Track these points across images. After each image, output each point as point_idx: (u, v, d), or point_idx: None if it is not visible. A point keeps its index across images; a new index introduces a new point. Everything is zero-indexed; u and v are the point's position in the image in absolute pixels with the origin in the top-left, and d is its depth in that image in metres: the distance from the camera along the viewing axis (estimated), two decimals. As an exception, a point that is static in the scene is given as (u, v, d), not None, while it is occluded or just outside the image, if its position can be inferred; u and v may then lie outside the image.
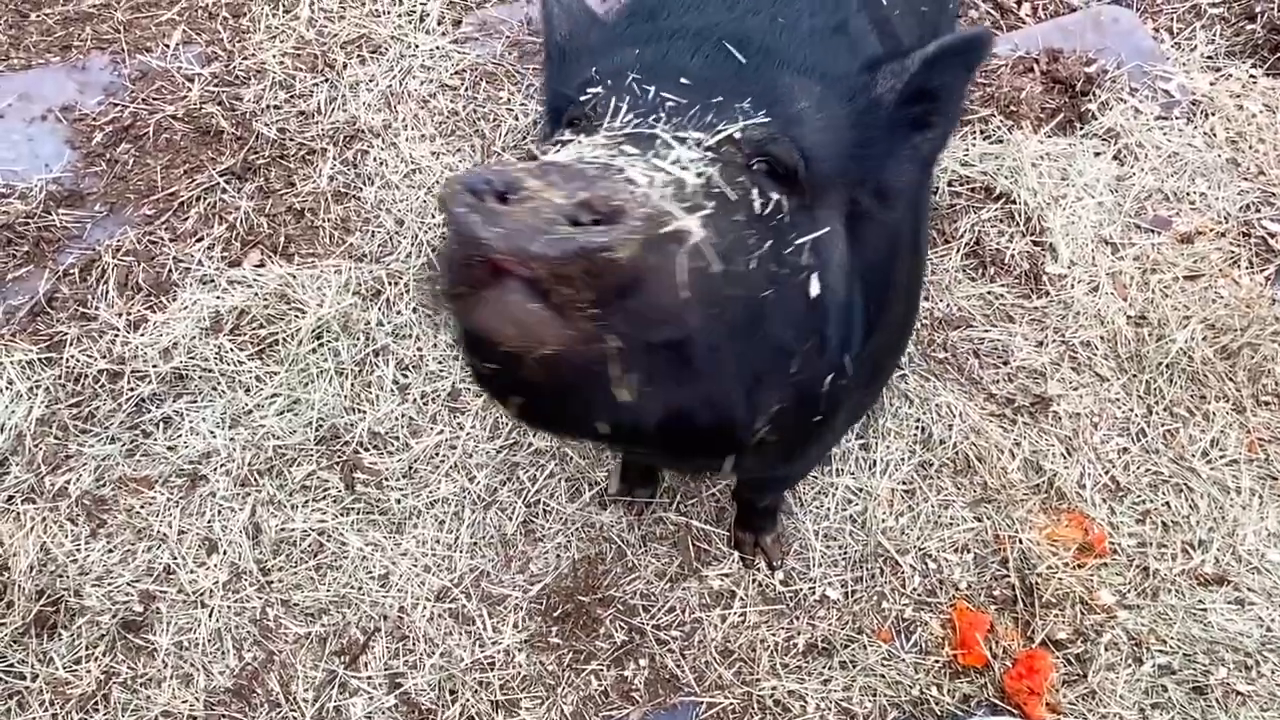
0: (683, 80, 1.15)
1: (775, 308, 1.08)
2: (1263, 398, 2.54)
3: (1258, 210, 2.84)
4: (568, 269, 0.77)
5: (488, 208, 0.79)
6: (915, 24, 1.98)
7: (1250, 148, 2.95)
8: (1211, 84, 3.07)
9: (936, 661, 2.22)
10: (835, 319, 1.23)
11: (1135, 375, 2.56)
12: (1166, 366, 2.55)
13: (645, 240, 0.80)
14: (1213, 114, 3.00)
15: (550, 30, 1.44)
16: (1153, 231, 2.79)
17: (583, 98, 1.19)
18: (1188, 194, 2.85)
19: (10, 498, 2.34)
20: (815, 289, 1.14)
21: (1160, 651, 2.22)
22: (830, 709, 2.15)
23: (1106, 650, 2.21)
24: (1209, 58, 3.16)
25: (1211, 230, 2.80)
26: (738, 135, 1.09)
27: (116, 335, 2.54)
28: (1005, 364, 2.58)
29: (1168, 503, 2.40)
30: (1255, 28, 3.20)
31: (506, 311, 0.81)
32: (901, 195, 1.31)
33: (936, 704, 2.17)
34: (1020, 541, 2.33)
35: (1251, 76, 3.10)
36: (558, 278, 0.77)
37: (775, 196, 1.11)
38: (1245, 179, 2.89)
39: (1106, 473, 2.43)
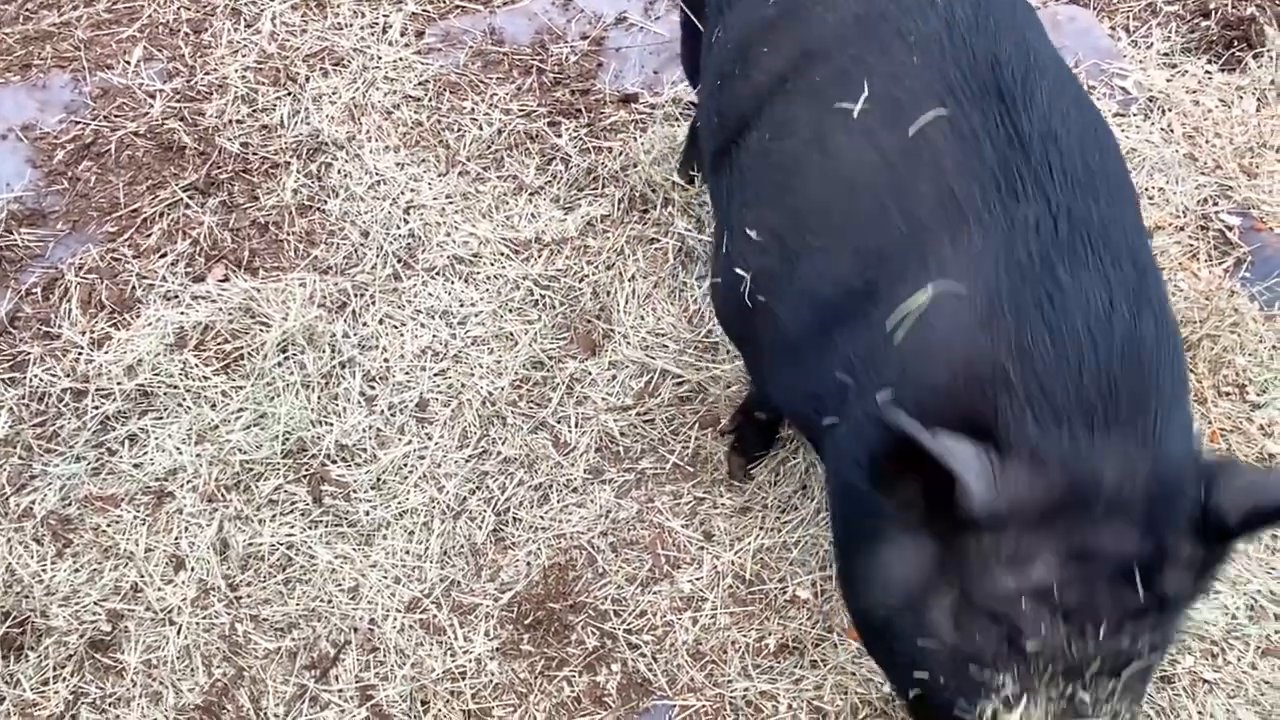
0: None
1: None
2: (1223, 389, 2.56)
3: (1215, 204, 2.87)
4: None
5: None
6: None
7: (1207, 142, 2.99)
8: (1168, 80, 3.11)
9: (907, 658, 2.23)
10: None
11: (1098, 369, 2.58)
12: (1128, 360, 2.57)
13: None
14: (1169, 110, 3.04)
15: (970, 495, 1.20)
16: (1113, 227, 2.81)
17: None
18: (1146, 189, 2.88)
19: (-26, 519, 2.32)
20: None
21: (1127, 642, 2.23)
22: (802, 708, 2.16)
23: (1074, 642, 2.22)
24: (1165, 54, 3.20)
25: (1170, 224, 2.83)
26: None
27: (80, 353, 2.52)
28: (970, 361, 2.59)
29: (1132, 494, 2.41)
30: (1210, 24, 3.25)
31: None
32: None
33: (908, 700, 2.18)
34: (987, 537, 2.34)
35: (1207, 72, 3.14)
36: None
37: None
38: (1202, 173, 2.93)
39: (1071, 466, 2.45)
